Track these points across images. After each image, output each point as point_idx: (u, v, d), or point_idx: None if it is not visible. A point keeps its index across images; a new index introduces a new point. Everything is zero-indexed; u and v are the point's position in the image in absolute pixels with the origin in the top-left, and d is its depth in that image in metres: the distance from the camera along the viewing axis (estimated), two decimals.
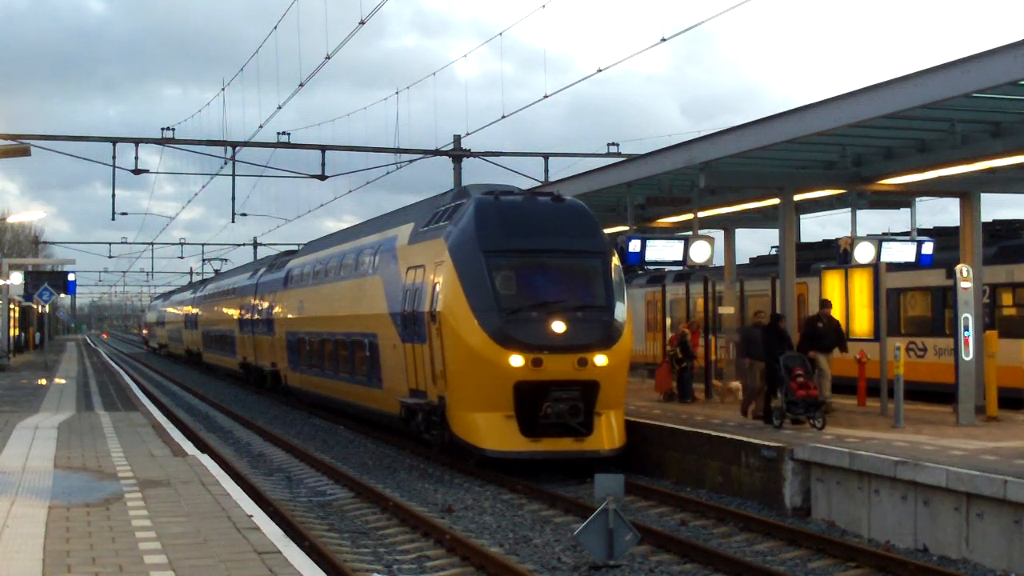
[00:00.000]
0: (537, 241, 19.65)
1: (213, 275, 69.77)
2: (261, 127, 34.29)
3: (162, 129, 33.51)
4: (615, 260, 20.12)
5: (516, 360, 18.48)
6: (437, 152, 35.73)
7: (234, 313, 45.84)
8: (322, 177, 34.82)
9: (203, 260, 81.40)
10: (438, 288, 19.70)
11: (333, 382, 28.64)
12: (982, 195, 22.32)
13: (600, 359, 18.75)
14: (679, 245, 22.03)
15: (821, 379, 20.34)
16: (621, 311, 19.39)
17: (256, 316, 40.27)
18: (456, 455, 20.04)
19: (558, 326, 18.71)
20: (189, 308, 65.29)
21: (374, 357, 24.13)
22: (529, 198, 20.92)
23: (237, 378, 47.07)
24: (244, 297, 43.69)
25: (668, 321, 31.35)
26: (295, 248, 50.32)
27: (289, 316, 34.22)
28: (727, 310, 27.93)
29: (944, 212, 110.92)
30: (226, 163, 36.09)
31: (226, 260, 77.79)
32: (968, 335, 19.35)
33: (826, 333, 21.00)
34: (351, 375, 26.64)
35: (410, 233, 22.87)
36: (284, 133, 34.02)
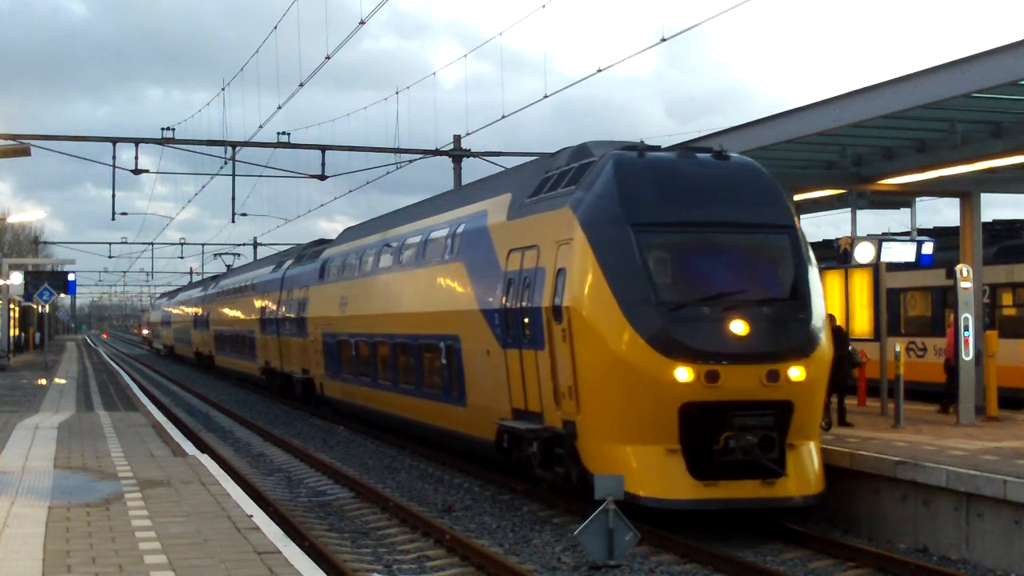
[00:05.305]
0: (703, 211, 14.97)
1: (226, 271, 65.37)
2: (261, 127, 34.40)
3: (162, 129, 33.58)
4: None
5: (682, 373, 13.88)
6: (437, 152, 35.72)
7: (254, 312, 41.07)
8: (322, 177, 34.84)
9: (214, 255, 77.27)
10: (565, 275, 15.01)
11: (390, 395, 23.67)
12: (982, 195, 22.34)
13: (795, 372, 14.17)
14: None
15: None
16: (819, 306, 14.85)
17: (283, 315, 35.45)
18: (587, 499, 13.99)
19: (739, 327, 14.13)
20: (199, 306, 60.20)
21: (454, 366, 19.36)
22: (685, 154, 15.90)
23: (257, 384, 42.64)
24: (267, 293, 38.98)
25: None
26: (291, 247, 49.35)
27: (327, 314, 29.00)
28: None
29: (939, 214, 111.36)
30: (226, 163, 36.14)
31: (238, 255, 73.69)
32: (968, 335, 19.36)
33: None
34: (417, 388, 21.71)
35: (508, 206, 18.06)
36: (284, 133, 34.08)
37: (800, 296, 14.74)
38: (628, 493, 13.64)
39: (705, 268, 14.84)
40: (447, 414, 20.09)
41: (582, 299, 14.57)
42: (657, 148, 16.22)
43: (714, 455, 13.92)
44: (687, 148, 16.63)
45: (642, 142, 16.23)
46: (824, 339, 14.67)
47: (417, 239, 22.36)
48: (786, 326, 14.46)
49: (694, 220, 14.87)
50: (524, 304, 16.13)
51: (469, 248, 19.11)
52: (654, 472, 13.92)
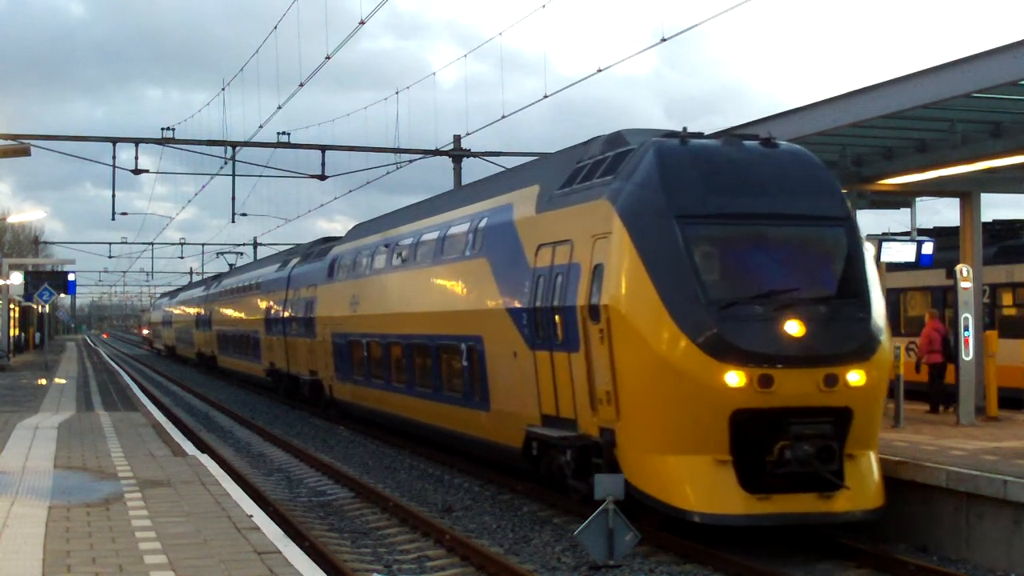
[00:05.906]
0: (753, 202, 13.88)
1: (228, 270, 64.54)
2: (261, 127, 34.42)
3: (162, 129, 33.66)
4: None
5: (733, 378, 12.82)
6: (437, 152, 35.74)
7: (259, 311, 40.24)
8: (322, 177, 34.88)
9: (216, 254, 77.17)
10: (603, 272, 13.98)
11: (406, 399, 22.61)
12: (982, 195, 22.35)
13: (854, 376, 13.13)
14: None
15: None
16: (879, 304, 13.81)
17: (289, 314, 34.36)
18: (628, 513, 12.82)
19: (793, 327, 13.06)
20: (201, 306, 59.12)
21: (476, 368, 18.33)
22: (731, 141, 14.80)
23: (258, 385, 42.09)
24: (272, 292, 37.90)
25: None
26: (293, 246, 49.15)
27: (337, 314, 27.92)
28: None
29: (939, 214, 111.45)
30: (226, 163, 36.18)
31: (241, 254, 73.00)
32: (968, 335, 19.37)
33: None
34: (436, 391, 20.67)
35: (536, 198, 16.94)
36: (284, 133, 34.13)
37: (859, 294, 13.70)
38: (673, 507, 13.05)
39: (756, 263, 13.76)
40: (468, 419, 19.03)
41: (622, 297, 13.55)
42: (700, 135, 15.08)
43: (767, 466, 12.94)
44: (733, 135, 15.60)
45: (685, 129, 15.13)
46: (885, 340, 13.62)
47: (435, 235, 21.19)
48: (844, 326, 13.37)
49: (744, 212, 13.81)
50: (556, 303, 15.11)
51: (493, 243, 18.06)
52: (703, 485, 12.88)
